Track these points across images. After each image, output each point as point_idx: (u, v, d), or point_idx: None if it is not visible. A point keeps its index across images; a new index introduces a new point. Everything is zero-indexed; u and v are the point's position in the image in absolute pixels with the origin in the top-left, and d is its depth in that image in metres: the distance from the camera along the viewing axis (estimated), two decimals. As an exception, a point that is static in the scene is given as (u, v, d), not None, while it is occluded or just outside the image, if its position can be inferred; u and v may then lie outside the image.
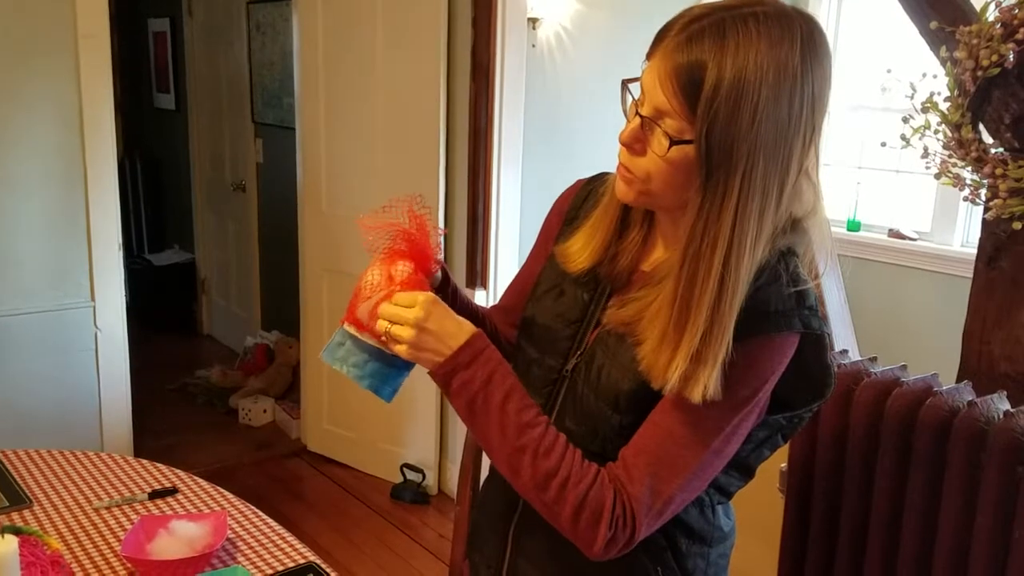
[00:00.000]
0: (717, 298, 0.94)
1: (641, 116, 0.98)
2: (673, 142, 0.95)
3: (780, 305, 0.99)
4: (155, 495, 1.67)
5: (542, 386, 1.15)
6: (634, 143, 1.00)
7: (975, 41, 1.81)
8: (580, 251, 1.13)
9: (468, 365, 1.03)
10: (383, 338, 1.06)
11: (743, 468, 1.12)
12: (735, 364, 0.97)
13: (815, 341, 1.02)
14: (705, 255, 0.94)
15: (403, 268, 1.11)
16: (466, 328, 1.05)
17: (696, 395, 0.95)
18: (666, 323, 0.97)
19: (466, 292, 3.11)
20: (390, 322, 1.04)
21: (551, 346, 1.15)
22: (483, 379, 1.03)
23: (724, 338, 0.94)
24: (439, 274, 1.20)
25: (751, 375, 0.99)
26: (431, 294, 1.05)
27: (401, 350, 1.04)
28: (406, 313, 1.03)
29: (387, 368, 1.12)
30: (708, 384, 0.94)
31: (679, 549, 1.13)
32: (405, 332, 1.03)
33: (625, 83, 1.02)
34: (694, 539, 1.14)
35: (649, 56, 0.97)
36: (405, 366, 1.13)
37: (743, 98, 0.90)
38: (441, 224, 3.19)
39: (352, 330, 1.11)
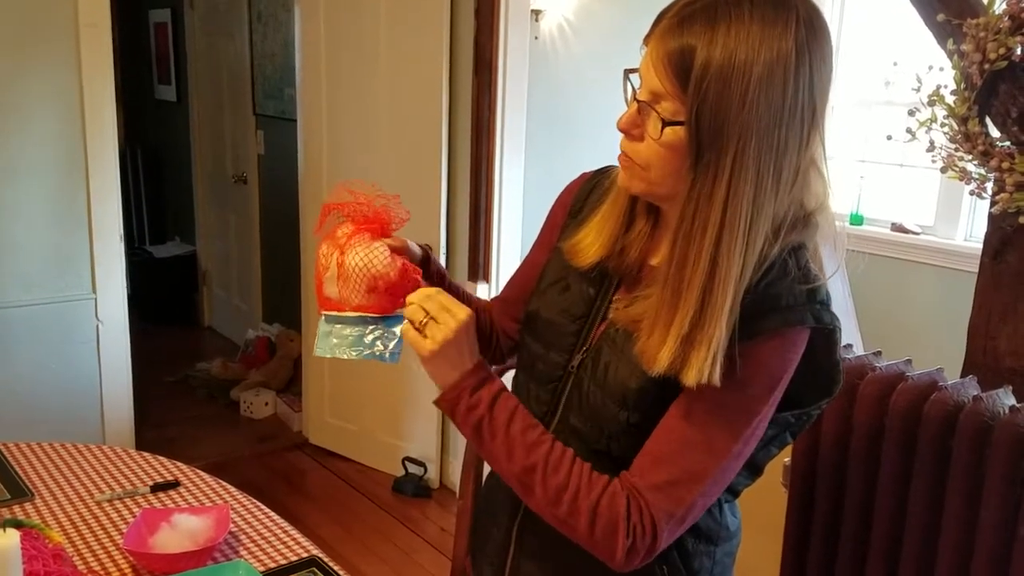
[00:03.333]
0: (708, 280, 0.93)
1: (638, 101, 0.98)
2: (666, 124, 0.95)
3: (790, 300, 0.98)
4: (157, 488, 1.67)
5: (547, 382, 1.14)
6: (632, 129, 1.00)
7: (982, 34, 1.80)
8: (590, 245, 1.12)
9: (475, 390, 1.04)
10: (416, 325, 1.04)
11: (752, 467, 1.11)
12: (748, 363, 0.96)
13: (826, 336, 1.01)
14: (696, 237, 0.93)
15: (341, 231, 1.10)
16: (477, 353, 1.07)
17: (690, 379, 0.94)
18: (658, 305, 0.97)
19: (468, 285, 3.12)
20: (428, 315, 1.03)
21: (556, 341, 1.14)
22: (488, 403, 1.04)
23: (717, 323, 0.93)
24: (418, 251, 1.20)
25: (764, 374, 0.98)
26: (473, 313, 1.06)
27: (426, 345, 1.03)
28: (449, 317, 1.03)
29: (377, 329, 1.10)
30: (703, 369, 0.93)
31: (685, 548, 1.12)
32: (441, 332, 1.03)
33: (627, 72, 1.02)
34: (700, 538, 1.13)
35: (646, 41, 0.98)
36: (395, 320, 1.11)
37: (733, 78, 0.89)
38: (443, 218, 3.18)
39: (332, 314, 1.10)
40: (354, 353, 1.11)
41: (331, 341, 1.11)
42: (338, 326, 1.10)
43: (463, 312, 1.04)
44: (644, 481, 1.00)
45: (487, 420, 1.04)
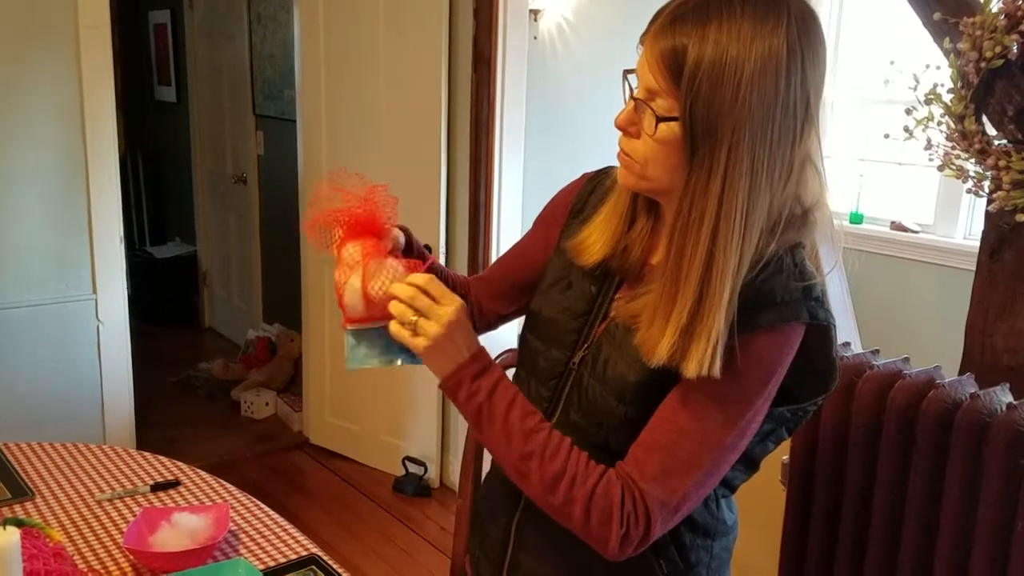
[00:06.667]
0: (705, 272, 0.94)
1: (635, 99, 1.00)
2: (660, 119, 0.97)
3: (786, 296, 0.99)
4: (157, 487, 1.67)
5: (548, 378, 1.15)
6: (628, 126, 1.02)
7: (978, 32, 1.80)
8: (594, 243, 1.13)
9: (476, 377, 1.05)
10: (405, 325, 1.04)
11: (748, 461, 1.11)
12: (743, 356, 0.97)
13: (821, 332, 1.02)
14: (692, 229, 0.95)
15: (348, 254, 1.10)
16: (475, 341, 1.07)
17: (690, 371, 0.95)
18: (657, 297, 0.98)
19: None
20: (417, 313, 1.03)
21: (557, 339, 1.15)
22: (488, 390, 1.05)
23: (716, 314, 0.94)
24: (401, 238, 1.19)
25: (760, 367, 0.99)
26: (463, 303, 1.05)
27: (419, 343, 1.03)
28: (439, 310, 1.03)
29: None
30: (704, 361, 0.94)
31: (683, 543, 1.13)
32: (432, 328, 1.03)
33: (626, 73, 1.04)
34: (698, 532, 1.14)
35: (641, 40, 1.00)
36: None
37: (725, 75, 0.92)
38: (442, 217, 3.19)
39: (355, 327, 1.11)
40: (385, 359, 1.12)
41: (361, 352, 1.13)
42: (365, 341, 1.12)
43: (452, 305, 1.04)
44: (639, 470, 1.01)
45: (486, 408, 1.05)
